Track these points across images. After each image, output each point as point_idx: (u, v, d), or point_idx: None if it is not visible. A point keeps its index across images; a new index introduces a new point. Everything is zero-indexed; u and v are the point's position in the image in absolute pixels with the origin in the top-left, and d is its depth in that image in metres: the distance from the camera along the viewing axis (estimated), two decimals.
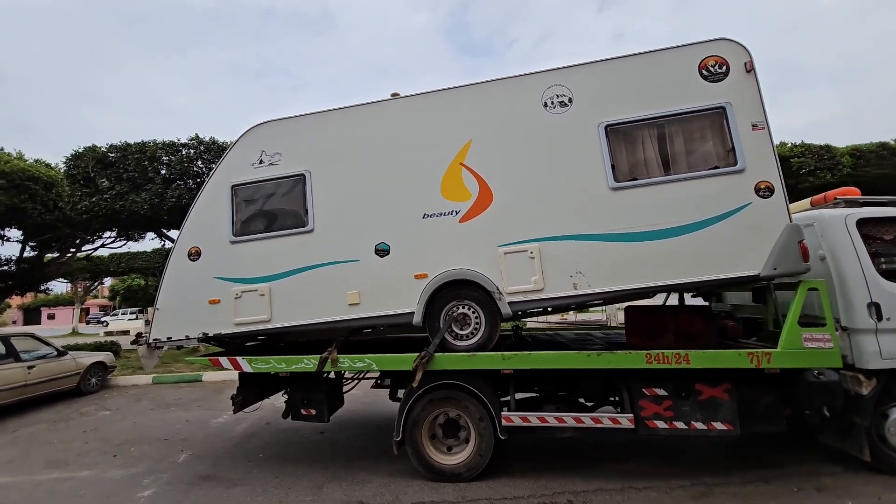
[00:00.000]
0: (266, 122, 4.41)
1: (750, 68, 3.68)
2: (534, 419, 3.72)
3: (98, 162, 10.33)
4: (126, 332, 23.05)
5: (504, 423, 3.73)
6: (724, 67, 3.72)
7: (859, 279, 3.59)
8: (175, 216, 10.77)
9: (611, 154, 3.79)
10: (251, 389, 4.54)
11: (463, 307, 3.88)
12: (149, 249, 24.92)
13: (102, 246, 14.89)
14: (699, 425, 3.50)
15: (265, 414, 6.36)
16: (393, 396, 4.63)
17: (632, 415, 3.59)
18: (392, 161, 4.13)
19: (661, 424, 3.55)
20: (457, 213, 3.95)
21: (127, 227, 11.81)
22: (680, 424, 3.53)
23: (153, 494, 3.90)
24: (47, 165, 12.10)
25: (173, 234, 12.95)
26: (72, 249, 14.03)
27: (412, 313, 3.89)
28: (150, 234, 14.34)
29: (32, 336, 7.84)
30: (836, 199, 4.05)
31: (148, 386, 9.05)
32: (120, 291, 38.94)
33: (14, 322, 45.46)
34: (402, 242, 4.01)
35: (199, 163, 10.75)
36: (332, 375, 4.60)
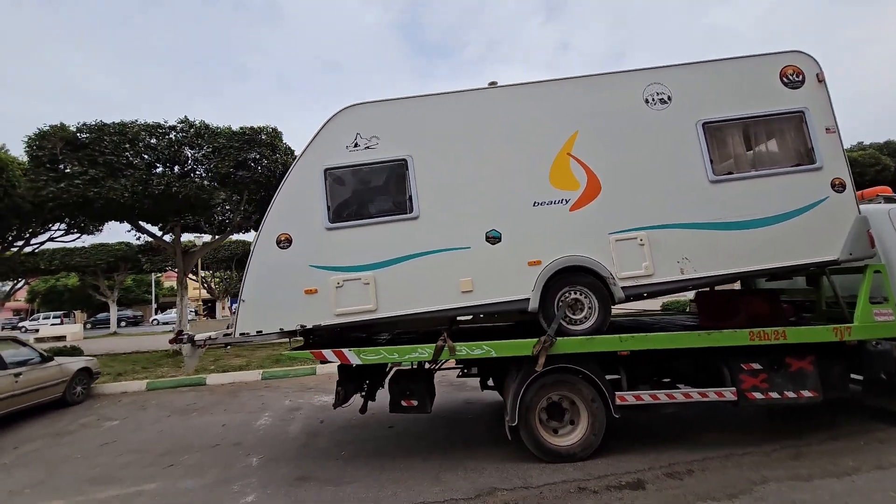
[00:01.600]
0: (360, 104, 4.21)
1: (821, 79, 4.16)
2: (646, 397, 3.93)
3: (67, 143, 9.07)
4: (62, 338, 20.36)
5: (618, 402, 3.91)
6: (801, 76, 4.17)
7: None
8: (163, 206, 9.78)
9: (709, 150, 4.10)
10: (348, 383, 4.31)
11: (575, 293, 3.99)
12: (87, 245, 22.17)
13: (51, 240, 13.08)
14: (790, 394, 3.91)
15: (313, 412, 6.05)
16: (484, 386, 4.63)
17: (734, 388, 3.92)
18: (499, 149, 4.14)
19: (758, 395, 3.92)
20: (567, 202, 4.06)
21: (100, 217, 10.46)
22: (774, 395, 3.92)
23: (256, 499, 3.60)
24: None
25: (149, 226, 11.75)
26: (17, 243, 12.16)
27: (527, 300, 3.94)
28: (108, 227, 12.87)
29: (14, 339, 6.75)
30: (876, 195, 4.69)
31: (142, 393, 8.16)
32: (40, 293, 34.22)
33: None
34: (514, 230, 4.03)
35: (189, 149, 9.83)
36: (427, 366, 4.52)
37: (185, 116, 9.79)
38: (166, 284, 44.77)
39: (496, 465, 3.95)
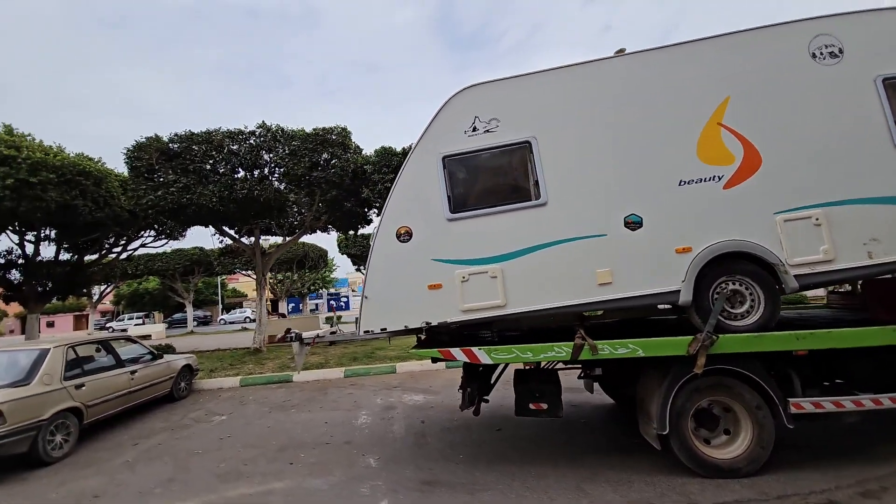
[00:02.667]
0: (476, 85, 3.94)
1: None
2: (828, 405, 3.35)
3: (162, 153, 9.65)
4: (147, 337, 22.20)
5: (793, 409, 3.36)
6: None
7: None
8: (245, 209, 10.18)
9: (892, 110, 3.42)
10: (472, 382, 4.08)
11: (735, 283, 3.48)
12: (168, 250, 23.98)
13: (143, 245, 14.14)
14: None
15: (409, 412, 5.91)
16: (609, 391, 4.21)
17: None
18: (634, 123, 3.70)
19: None
20: (719, 179, 3.55)
21: (190, 222, 11.12)
22: None
23: None
24: (89, 159, 11.34)
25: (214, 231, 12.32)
26: (115, 249, 13.25)
27: (676, 292, 3.48)
28: (193, 232, 13.69)
29: (127, 338, 7.22)
30: None
31: (237, 388, 8.49)
32: (125, 296, 37.69)
33: (11, 332, 43.74)
34: (657, 213, 3.59)
35: (267, 153, 10.14)
36: (543, 365, 4.18)
37: (263, 121, 10.12)
38: (230, 286, 47.81)
39: (643, 478, 3.54)
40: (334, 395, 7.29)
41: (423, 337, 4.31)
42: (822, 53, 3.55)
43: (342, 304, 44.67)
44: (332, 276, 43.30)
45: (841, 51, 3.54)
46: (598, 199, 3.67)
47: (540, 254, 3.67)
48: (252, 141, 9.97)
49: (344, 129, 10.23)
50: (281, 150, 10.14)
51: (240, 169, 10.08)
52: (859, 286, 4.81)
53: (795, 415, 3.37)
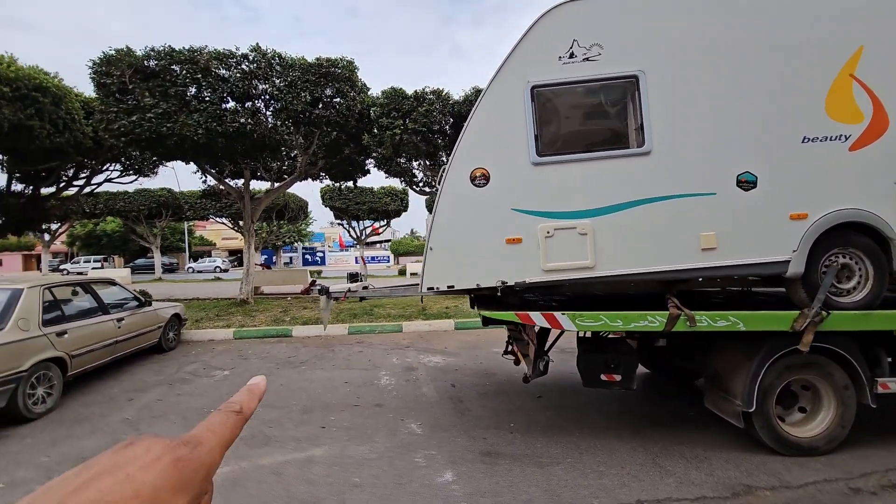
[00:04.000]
0: (577, 1, 3.25)
1: None
2: None
3: (136, 71, 8.25)
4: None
5: (880, 389, 3.21)
6: None
7: None
8: (234, 145, 9.05)
9: None
10: (542, 349, 3.69)
11: (846, 256, 3.19)
12: (131, 190, 21.93)
13: (108, 181, 12.62)
14: None
15: (434, 374, 5.58)
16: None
17: None
18: (759, 67, 3.18)
19: None
20: (846, 139, 3.14)
21: (171, 156, 9.82)
22: None
23: (455, 478, 3.11)
24: (45, 73, 9.64)
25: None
26: (77, 183, 11.73)
27: (786, 262, 3.15)
28: (164, 172, 12.30)
29: (112, 282, 6.36)
30: None
31: (231, 341, 7.87)
32: (80, 237, 34.84)
33: None
34: (774, 172, 3.17)
35: (262, 84, 8.91)
36: (609, 335, 3.86)
37: (257, 44, 8.80)
38: (197, 233, 45.26)
39: (722, 455, 3.36)
40: (343, 353, 6.85)
41: (474, 297, 3.86)
42: None
43: (318, 258, 43.40)
44: (307, 229, 41.74)
45: None
46: (709, 151, 3.20)
47: (638, 210, 3.21)
48: (245, 66, 8.70)
49: (350, 63, 9.08)
50: (278, 81, 8.94)
51: (229, 99, 8.84)
52: None
53: (882, 395, 3.23)
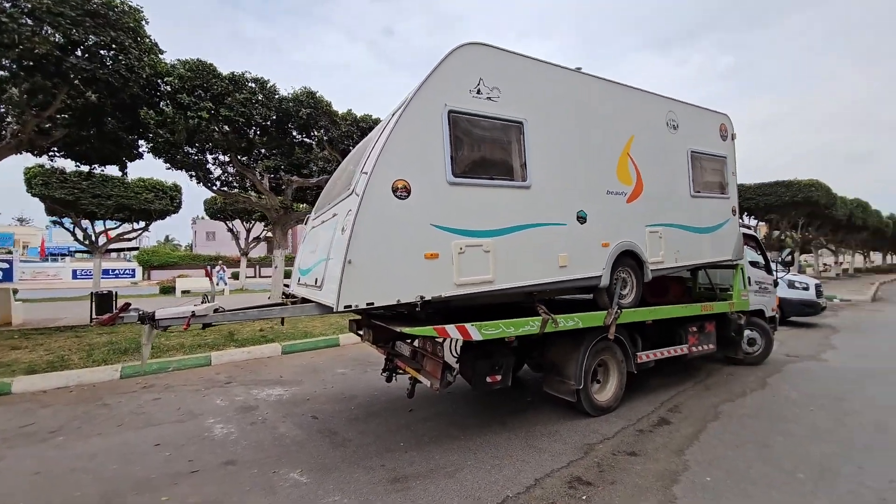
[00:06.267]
0: (483, 45, 3.68)
1: (734, 137, 6.25)
2: (652, 355, 5.09)
3: None
4: None
5: (638, 360, 4.93)
6: (727, 132, 6.15)
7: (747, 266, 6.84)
8: None
9: (692, 173, 5.55)
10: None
11: (623, 272, 4.75)
12: None
13: None
14: (705, 347, 5.83)
15: (280, 409, 4.74)
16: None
17: (686, 345, 5.54)
18: (584, 138, 4.42)
19: (695, 350, 5.67)
20: (625, 195, 4.74)
21: None
22: (702, 348, 5.76)
23: None
24: None
25: None
26: None
27: (600, 276, 4.43)
28: None
29: None
30: None
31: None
32: None
33: None
34: (594, 212, 4.41)
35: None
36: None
37: None
38: None
39: (565, 426, 4.29)
40: (128, 405, 4.91)
41: (355, 318, 3.64)
42: (670, 125, 5.31)
43: None
44: None
45: (677, 126, 5.40)
46: (564, 191, 4.19)
47: (523, 233, 3.84)
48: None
49: (135, 9, 6.73)
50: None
51: None
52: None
53: (639, 364, 4.96)
